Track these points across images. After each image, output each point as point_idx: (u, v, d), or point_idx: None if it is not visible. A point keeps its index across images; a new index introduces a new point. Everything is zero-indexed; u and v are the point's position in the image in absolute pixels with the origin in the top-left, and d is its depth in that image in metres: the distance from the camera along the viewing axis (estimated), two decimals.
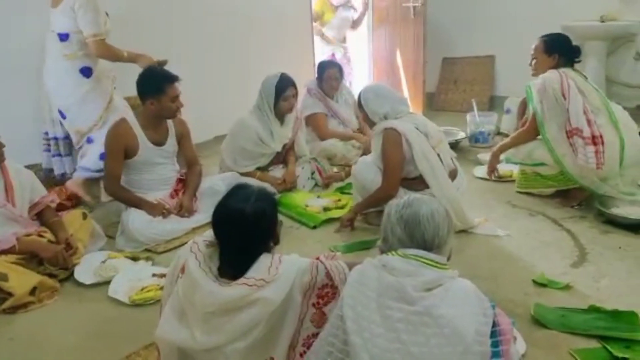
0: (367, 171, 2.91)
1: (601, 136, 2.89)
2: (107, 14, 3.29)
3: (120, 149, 2.91)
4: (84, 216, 2.85)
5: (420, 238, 1.37)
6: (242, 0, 4.70)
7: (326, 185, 3.70)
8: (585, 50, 4.98)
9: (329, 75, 4.07)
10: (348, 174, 3.52)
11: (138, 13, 3.96)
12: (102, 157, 3.18)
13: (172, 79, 2.92)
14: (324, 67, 4.16)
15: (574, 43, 4.99)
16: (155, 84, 2.89)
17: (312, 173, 3.72)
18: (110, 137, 2.94)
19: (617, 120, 2.99)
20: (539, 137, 3.12)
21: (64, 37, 3.19)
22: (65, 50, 3.20)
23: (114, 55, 3.25)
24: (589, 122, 2.92)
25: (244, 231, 1.46)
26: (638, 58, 4.91)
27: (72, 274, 2.54)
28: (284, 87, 3.42)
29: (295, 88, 3.51)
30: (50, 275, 2.48)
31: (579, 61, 3.20)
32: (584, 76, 3.14)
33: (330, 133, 4.07)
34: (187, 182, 3.16)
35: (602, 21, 4.89)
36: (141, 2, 4.03)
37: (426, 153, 2.72)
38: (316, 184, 3.72)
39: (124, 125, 2.94)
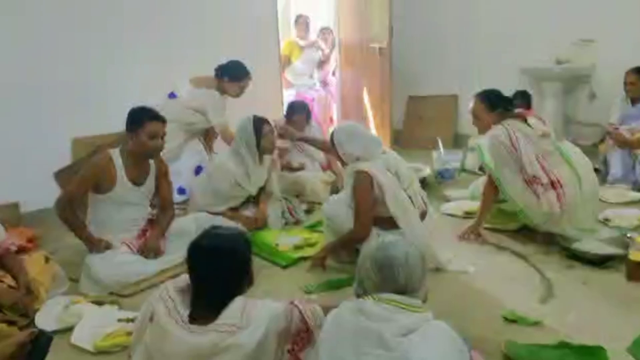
0: (338, 209, 2.90)
1: (558, 180, 2.97)
2: None
3: (91, 180, 2.87)
4: (46, 259, 2.75)
5: (394, 282, 1.37)
6: (210, 42, 4.77)
7: (296, 223, 3.71)
8: (543, 91, 5.22)
9: (297, 120, 4.15)
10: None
11: None
12: (180, 191, 3.99)
13: (153, 115, 2.90)
14: (293, 110, 4.24)
15: (532, 84, 5.26)
16: (136, 118, 2.88)
17: (283, 212, 3.72)
18: (89, 167, 2.92)
19: (571, 159, 3.09)
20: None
21: (171, 96, 4.10)
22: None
23: (232, 139, 3.81)
24: (543, 168, 2.99)
25: (220, 269, 1.45)
26: (593, 98, 5.15)
27: (32, 320, 2.43)
28: (260, 126, 3.47)
29: (270, 125, 3.57)
30: (10, 323, 2.37)
31: (513, 108, 3.25)
32: (527, 124, 3.13)
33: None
34: (157, 222, 3.09)
35: (558, 63, 5.13)
36: None
37: (397, 196, 2.73)
38: (287, 223, 3.72)
39: (106, 159, 2.89)
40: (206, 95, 3.95)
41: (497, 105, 3.18)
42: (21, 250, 3.01)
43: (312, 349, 1.38)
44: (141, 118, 2.87)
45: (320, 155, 4.29)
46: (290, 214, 3.74)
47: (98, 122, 4.06)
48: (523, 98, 4.58)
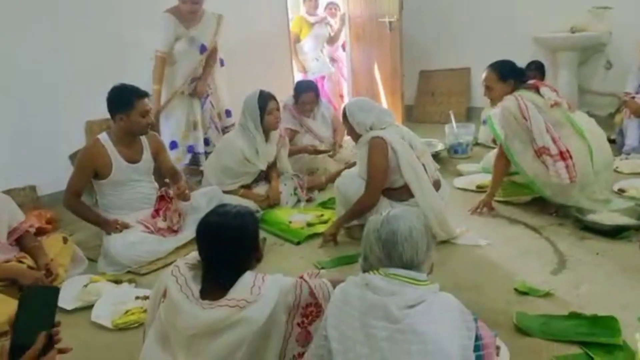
0: (351, 183, 2.93)
1: (568, 151, 2.92)
2: (192, 39, 3.85)
3: (89, 170, 2.92)
4: (65, 240, 2.81)
5: (398, 258, 1.37)
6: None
7: (308, 200, 3.73)
8: (558, 61, 5.13)
9: (305, 99, 4.10)
10: (330, 180, 3.78)
11: None
12: (172, 145, 3.89)
13: (141, 93, 2.92)
14: (300, 90, 4.16)
15: (546, 54, 5.15)
16: (124, 99, 2.88)
17: (295, 189, 3.74)
18: (82, 157, 2.96)
19: (583, 129, 3.05)
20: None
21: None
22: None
23: (154, 74, 3.80)
24: (553, 139, 2.94)
25: (228, 246, 1.48)
26: (608, 67, 5.04)
27: None
28: (265, 101, 3.47)
29: (277, 101, 3.56)
30: None
31: (526, 80, 3.21)
32: (540, 94, 3.09)
33: (293, 150, 4.06)
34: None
35: (573, 32, 5.02)
36: None
37: (412, 162, 2.76)
38: (299, 200, 3.74)
39: (97, 146, 2.94)
40: (159, 20, 3.78)
41: (509, 75, 3.15)
42: (40, 231, 3.09)
43: (321, 323, 1.40)
44: (130, 98, 2.87)
45: (328, 134, 4.28)
46: (302, 191, 3.76)
47: None
48: (537, 69, 4.50)
